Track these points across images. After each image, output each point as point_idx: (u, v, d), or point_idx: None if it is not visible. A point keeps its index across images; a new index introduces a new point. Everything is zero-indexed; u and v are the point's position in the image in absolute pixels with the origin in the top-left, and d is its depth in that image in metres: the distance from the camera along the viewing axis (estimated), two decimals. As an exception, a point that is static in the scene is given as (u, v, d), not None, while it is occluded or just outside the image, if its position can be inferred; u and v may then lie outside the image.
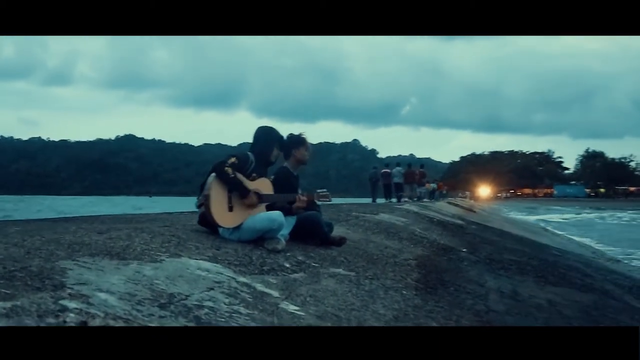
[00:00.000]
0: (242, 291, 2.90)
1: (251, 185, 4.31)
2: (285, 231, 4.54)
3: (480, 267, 7.05)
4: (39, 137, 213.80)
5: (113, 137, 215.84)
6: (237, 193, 4.21)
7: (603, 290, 6.77)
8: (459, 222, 15.39)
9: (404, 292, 4.17)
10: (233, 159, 4.24)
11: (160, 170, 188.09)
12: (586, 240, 19.68)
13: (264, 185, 4.43)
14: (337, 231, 6.86)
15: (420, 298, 4.12)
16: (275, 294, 3.04)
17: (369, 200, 22.50)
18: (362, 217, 9.15)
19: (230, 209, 4.20)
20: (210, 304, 2.54)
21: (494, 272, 6.92)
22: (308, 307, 2.95)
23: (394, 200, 22.28)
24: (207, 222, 4.29)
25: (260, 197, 4.35)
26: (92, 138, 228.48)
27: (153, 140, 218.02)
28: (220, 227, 4.21)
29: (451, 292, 4.74)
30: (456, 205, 30.59)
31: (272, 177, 5.08)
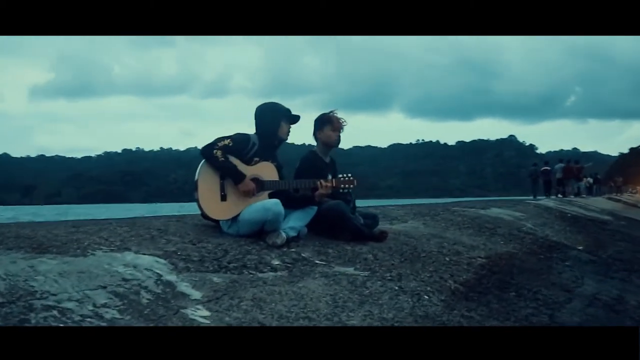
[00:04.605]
0: (149, 291, 2.37)
1: (249, 170, 3.75)
2: (298, 223, 3.91)
3: (589, 267, 5.72)
4: (195, 147, 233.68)
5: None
6: (231, 180, 3.68)
7: None
8: (605, 217, 13.29)
9: (427, 296, 3.30)
10: (226, 141, 3.72)
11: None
12: None
13: (266, 170, 3.83)
14: (410, 225, 6.03)
15: (444, 305, 3.23)
16: (196, 296, 2.45)
17: (528, 197, 21.68)
18: (461, 212, 8.08)
19: (223, 197, 3.68)
20: (70, 305, 2.06)
21: (606, 274, 5.56)
22: (228, 314, 2.33)
23: (552, 197, 21.69)
24: (206, 215, 3.82)
25: (262, 184, 3.77)
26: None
27: (303, 145, 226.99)
28: (212, 219, 3.72)
29: (506, 298, 3.73)
30: (617, 200, 27.03)
31: (299, 162, 4.49)
